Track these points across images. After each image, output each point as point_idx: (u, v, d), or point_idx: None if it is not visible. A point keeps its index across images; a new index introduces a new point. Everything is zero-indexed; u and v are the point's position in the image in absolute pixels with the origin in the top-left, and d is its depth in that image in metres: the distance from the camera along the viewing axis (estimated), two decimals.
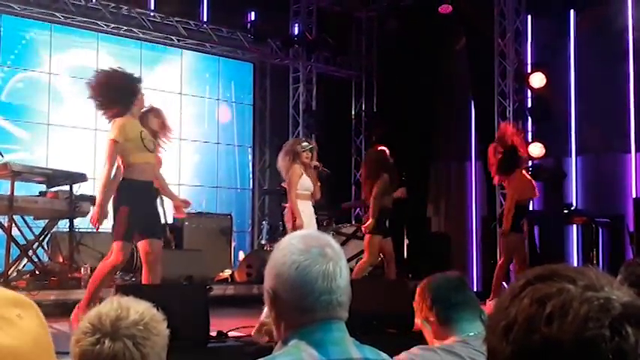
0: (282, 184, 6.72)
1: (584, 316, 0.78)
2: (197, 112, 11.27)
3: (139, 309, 1.73)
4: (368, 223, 7.22)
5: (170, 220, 8.80)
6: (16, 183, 6.80)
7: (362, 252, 8.29)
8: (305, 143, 6.63)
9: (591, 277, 0.83)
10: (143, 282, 5.14)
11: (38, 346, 0.93)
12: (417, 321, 2.42)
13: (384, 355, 1.77)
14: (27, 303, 0.96)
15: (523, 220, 7.47)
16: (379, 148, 7.89)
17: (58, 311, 5.61)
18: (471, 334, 2.22)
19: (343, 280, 1.69)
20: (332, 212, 9.72)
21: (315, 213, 9.26)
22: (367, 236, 7.26)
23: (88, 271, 6.77)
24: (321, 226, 9.08)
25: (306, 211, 6.30)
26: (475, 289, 9.64)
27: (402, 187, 7.72)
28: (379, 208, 7.19)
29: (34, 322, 0.95)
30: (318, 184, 6.54)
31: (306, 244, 1.68)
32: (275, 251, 1.73)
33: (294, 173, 6.29)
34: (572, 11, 10.00)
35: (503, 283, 7.44)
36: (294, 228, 6.15)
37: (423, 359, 2.18)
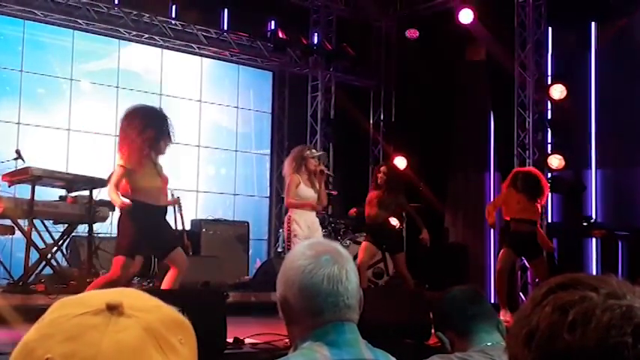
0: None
1: (606, 323, 0.78)
2: (216, 119, 11.33)
3: None
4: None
5: (188, 227, 8.86)
6: (36, 187, 6.87)
7: (379, 261, 8.29)
8: (313, 151, 6.63)
9: (613, 285, 0.83)
10: (163, 286, 5.18)
11: None
12: (435, 332, 2.43)
13: None
14: (186, 325, 0.88)
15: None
16: (382, 166, 7.85)
17: None
18: (489, 344, 2.22)
19: (350, 283, 1.72)
20: (349, 221, 9.71)
21: (332, 222, 9.27)
22: None
23: None
24: (337, 234, 9.10)
25: (302, 220, 6.34)
26: (492, 301, 9.57)
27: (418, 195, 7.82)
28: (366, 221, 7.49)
29: (191, 348, 0.87)
30: (324, 190, 6.58)
31: (313, 250, 1.74)
32: (285, 259, 1.80)
33: (292, 182, 6.38)
34: (593, 23, 9.95)
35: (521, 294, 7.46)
36: (289, 235, 6.32)
37: None
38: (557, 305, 0.82)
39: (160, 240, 5.21)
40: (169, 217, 7.51)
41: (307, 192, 6.41)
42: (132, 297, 0.86)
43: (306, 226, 6.33)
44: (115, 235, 5.73)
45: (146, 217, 5.05)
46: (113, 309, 0.81)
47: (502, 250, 7.39)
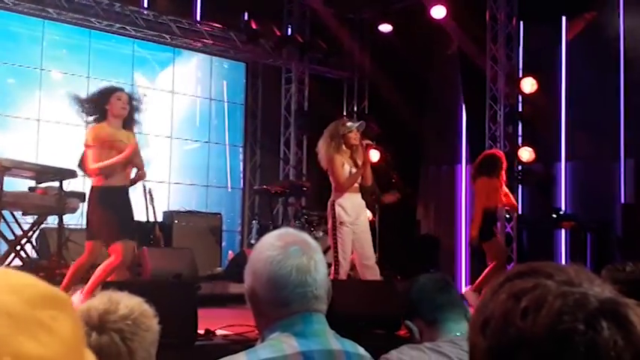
0: (272, 185, 6.64)
1: (558, 309, 0.79)
2: (189, 110, 11.26)
3: (129, 304, 1.75)
4: None
5: (160, 219, 8.80)
6: (5, 178, 6.78)
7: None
8: (349, 123, 5.81)
9: (570, 274, 0.84)
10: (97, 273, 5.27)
11: (72, 352, 0.79)
12: (403, 321, 2.45)
13: (363, 350, 1.80)
14: (62, 300, 0.81)
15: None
16: None
17: None
18: (458, 334, 2.24)
19: (319, 274, 1.73)
20: (322, 212, 9.73)
21: (306, 214, 9.25)
22: None
23: None
24: (311, 226, 9.11)
25: (347, 204, 5.72)
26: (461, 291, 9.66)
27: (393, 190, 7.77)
28: None
29: (69, 323, 0.80)
30: (369, 167, 5.86)
31: (282, 241, 1.74)
32: (253, 250, 1.79)
33: (337, 164, 5.63)
34: (564, 17, 10.06)
35: None
36: (334, 223, 5.71)
37: (410, 358, 2.20)
38: (512, 292, 0.82)
39: (124, 222, 5.31)
40: (143, 210, 7.49)
41: (348, 173, 5.72)
42: None
43: (352, 210, 5.68)
44: (85, 227, 5.72)
45: (115, 199, 5.22)
46: None
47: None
